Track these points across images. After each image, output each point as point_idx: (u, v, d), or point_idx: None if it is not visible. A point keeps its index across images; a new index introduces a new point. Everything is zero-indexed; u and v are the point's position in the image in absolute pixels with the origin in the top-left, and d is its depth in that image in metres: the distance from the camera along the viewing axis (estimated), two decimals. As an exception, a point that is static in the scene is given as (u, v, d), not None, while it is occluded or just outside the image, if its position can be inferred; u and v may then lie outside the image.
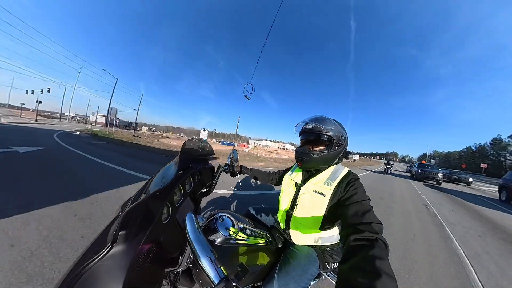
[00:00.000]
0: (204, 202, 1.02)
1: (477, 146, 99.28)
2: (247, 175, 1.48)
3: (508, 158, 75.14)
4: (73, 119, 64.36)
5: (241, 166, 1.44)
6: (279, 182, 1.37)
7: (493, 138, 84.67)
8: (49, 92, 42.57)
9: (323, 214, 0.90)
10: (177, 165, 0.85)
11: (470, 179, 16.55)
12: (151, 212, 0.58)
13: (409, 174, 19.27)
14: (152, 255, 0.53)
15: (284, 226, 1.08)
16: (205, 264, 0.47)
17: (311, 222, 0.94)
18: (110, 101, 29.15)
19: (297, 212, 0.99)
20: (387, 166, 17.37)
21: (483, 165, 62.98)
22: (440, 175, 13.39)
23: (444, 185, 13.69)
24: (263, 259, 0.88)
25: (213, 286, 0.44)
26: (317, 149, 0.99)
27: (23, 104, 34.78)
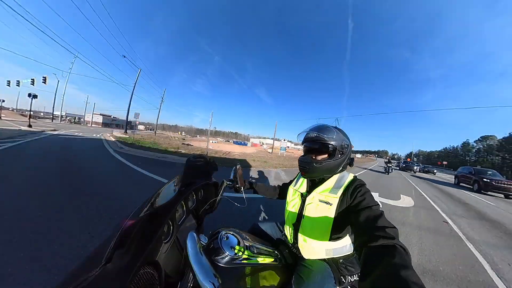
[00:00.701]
0: (207, 218, 1.06)
1: (451, 148, 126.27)
2: (252, 190, 1.39)
3: (472, 157, 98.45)
4: (62, 120, 47.68)
5: (245, 180, 1.33)
6: (283, 194, 1.28)
7: (463, 142, 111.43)
8: (45, 83, 23.61)
9: (331, 224, 0.86)
10: (180, 180, 0.84)
11: (435, 171, 26.87)
12: (150, 230, 0.53)
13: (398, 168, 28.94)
14: (149, 277, 0.49)
15: (292, 240, 1.03)
16: None
17: (319, 233, 0.89)
18: (130, 100, 22.07)
19: (304, 224, 0.94)
20: (388, 165, 15.90)
21: (444, 163, 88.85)
22: (416, 168, 23.92)
23: (419, 174, 22.35)
24: (273, 279, 0.80)
25: None
26: (320, 158, 0.95)
27: (3, 101, 25.24)
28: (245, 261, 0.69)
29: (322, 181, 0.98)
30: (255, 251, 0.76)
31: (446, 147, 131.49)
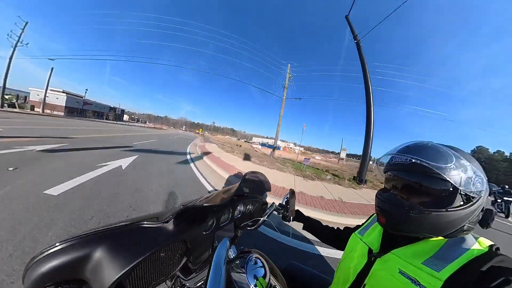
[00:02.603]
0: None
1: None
2: (302, 224, 1.15)
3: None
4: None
5: (297, 211, 1.14)
6: (343, 245, 0.86)
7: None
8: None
9: None
10: (235, 190, 0.87)
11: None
12: (200, 218, 0.65)
13: None
14: (181, 250, 0.58)
15: None
16: None
17: None
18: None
19: None
20: (506, 198, 8.79)
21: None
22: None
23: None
24: None
25: None
26: (419, 200, 0.56)
27: None
28: None
29: (413, 238, 0.58)
30: None
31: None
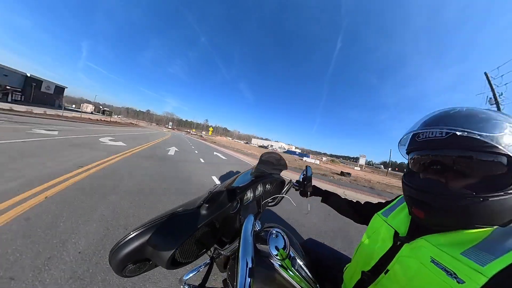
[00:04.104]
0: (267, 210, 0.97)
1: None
2: (320, 197, 1.18)
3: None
4: None
5: (314, 186, 1.14)
6: (364, 219, 0.88)
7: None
8: None
9: None
10: (254, 171, 1.00)
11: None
12: (226, 200, 0.73)
13: None
14: (213, 228, 0.69)
15: None
16: (241, 264, 0.46)
17: None
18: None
19: (382, 284, 0.55)
20: None
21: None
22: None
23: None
24: None
25: (235, 287, 0.43)
26: (461, 183, 0.45)
27: None
28: (279, 268, 0.61)
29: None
30: (296, 267, 0.65)
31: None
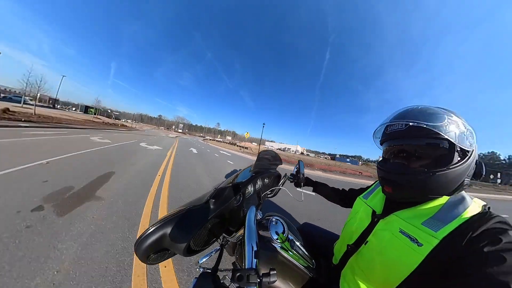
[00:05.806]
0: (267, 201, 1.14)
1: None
2: (311, 187, 1.33)
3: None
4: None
5: (306, 177, 1.29)
6: (348, 203, 1.04)
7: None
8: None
9: (407, 274, 0.50)
10: (253, 168, 1.13)
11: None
12: (230, 195, 0.80)
13: None
14: (220, 220, 0.74)
15: (337, 262, 0.79)
16: (247, 248, 0.54)
17: (380, 275, 0.57)
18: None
19: (363, 252, 0.65)
20: None
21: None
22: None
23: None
24: (296, 283, 0.74)
25: (243, 267, 0.51)
26: (418, 164, 0.57)
27: None
28: (280, 250, 0.74)
29: (412, 202, 0.60)
30: (294, 248, 0.73)
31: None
